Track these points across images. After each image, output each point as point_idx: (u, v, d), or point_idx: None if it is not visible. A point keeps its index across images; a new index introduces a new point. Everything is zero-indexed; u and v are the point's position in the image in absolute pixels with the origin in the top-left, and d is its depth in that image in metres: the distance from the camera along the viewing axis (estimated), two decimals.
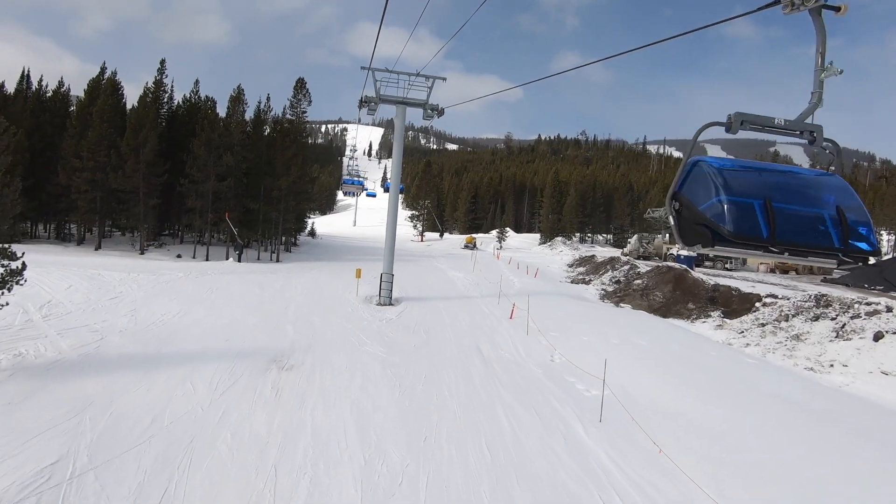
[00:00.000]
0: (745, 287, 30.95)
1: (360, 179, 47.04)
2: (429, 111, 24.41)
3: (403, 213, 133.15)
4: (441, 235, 79.94)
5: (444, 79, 25.09)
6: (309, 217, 53.89)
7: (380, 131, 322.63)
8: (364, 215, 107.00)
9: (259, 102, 37.72)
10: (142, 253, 32.21)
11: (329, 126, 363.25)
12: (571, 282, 37.82)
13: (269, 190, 34.56)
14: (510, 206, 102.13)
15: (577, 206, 78.37)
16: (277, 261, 35.09)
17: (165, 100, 38.05)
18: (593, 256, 45.16)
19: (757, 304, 26.00)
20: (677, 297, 28.76)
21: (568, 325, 21.44)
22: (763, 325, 23.81)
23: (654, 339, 20.53)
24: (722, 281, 33.56)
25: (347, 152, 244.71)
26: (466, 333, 19.12)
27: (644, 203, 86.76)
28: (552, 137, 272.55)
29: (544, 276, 37.41)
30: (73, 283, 21.25)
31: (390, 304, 23.92)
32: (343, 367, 14.28)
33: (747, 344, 22.72)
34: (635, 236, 58.65)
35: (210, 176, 32.23)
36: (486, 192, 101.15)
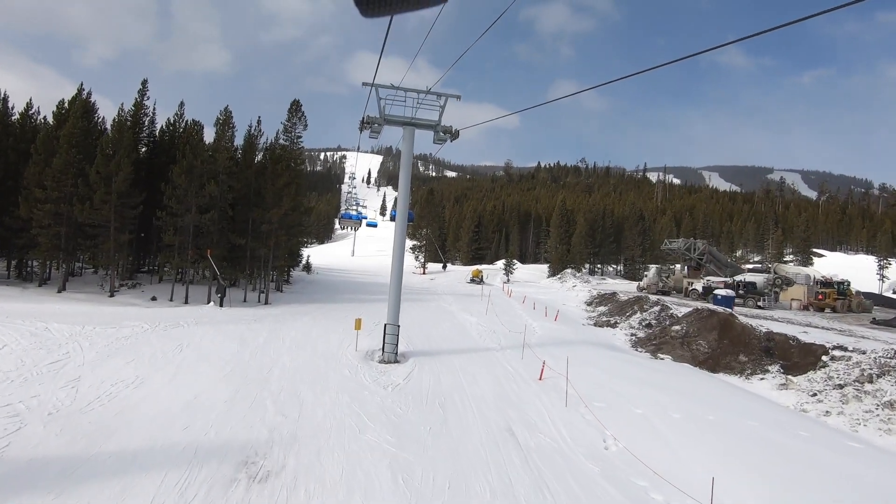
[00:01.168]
0: (798, 332, 27.22)
1: (358, 214, 44.00)
2: (441, 133, 20.95)
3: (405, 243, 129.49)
4: (444, 267, 76.18)
5: (459, 97, 21.73)
6: (306, 246, 50.18)
7: (379, 158, 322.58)
8: (363, 244, 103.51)
9: (250, 126, 34.50)
10: (111, 295, 28.42)
11: (328, 154, 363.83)
12: (595, 324, 33.96)
13: (257, 223, 30.96)
14: (515, 236, 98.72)
15: (586, 236, 74.87)
16: (266, 303, 31.27)
17: (146, 123, 34.77)
18: (615, 294, 41.38)
19: (824, 358, 22.13)
20: (725, 348, 24.90)
21: (611, 389, 17.65)
22: (841, 386, 19.90)
23: (720, 409, 16.65)
24: (764, 324, 29.79)
25: (346, 180, 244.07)
26: (492, 405, 15.28)
27: (655, 233, 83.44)
28: (552, 165, 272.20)
29: (564, 318, 33.57)
30: (8, 341, 17.45)
31: (396, 361, 20.13)
32: (337, 477, 10.40)
33: (826, 412, 18.78)
34: (653, 269, 54.99)
35: (190, 208, 28.66)
36: (489, 220, 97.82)
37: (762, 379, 22.38)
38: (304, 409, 13.99)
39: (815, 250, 79.49)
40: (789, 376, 21.92)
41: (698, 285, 48.85)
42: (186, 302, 29.31)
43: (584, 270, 75.20)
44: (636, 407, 16.03)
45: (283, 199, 30.57)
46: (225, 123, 32.85)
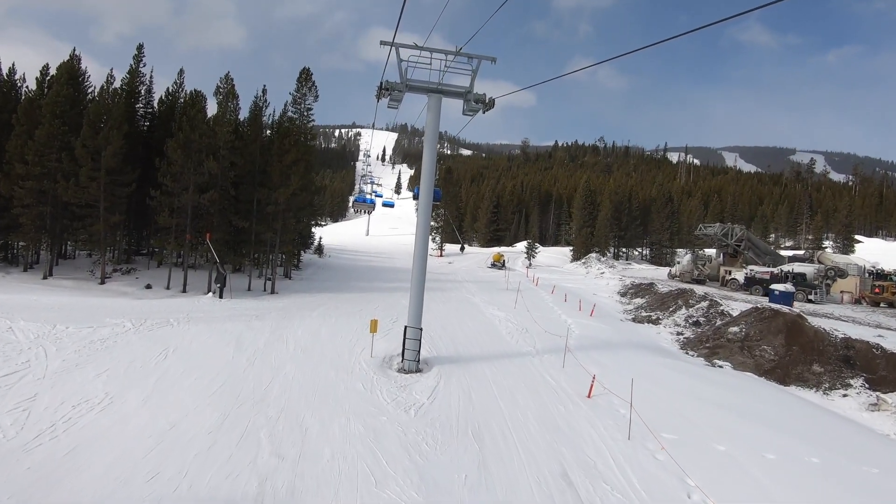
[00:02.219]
0: (872, 337, 23.84)
1: (372, 198, 41.26)
2: (472, 103, 17.58)
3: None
4: (462, 249, 72.98)
5: (494, 59, 18.25)
6: (320, 224, 47.20)
7: (394, 136, 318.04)
8: (377, 223, 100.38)
9: (256, 98, 31.32)
10: (102, 282, 25.76)
11: (342, 130, 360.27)
12: (634, 320, 30.71)
13: (262, 205, 27.97)
14: (534, 217, 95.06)
15: (611, 219, 71.06)
16: (272, 292, 28.40)
17: (143, 93, 31.70)
18: (652, 285, 38.00)
19: None
20: (795, 355, 21.58)
21: (678, 414, 14.56)
22: None
23: (823, 445, 13.43)
24: (825, 324, 26.35)
25: (361, 157, 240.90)
26: (539, 438, 12.27)
27: (683, 216, 79.40)
28: (569, 144, 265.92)
29: (599, 313, 30.37)
30: None
31: (417, 370, 17.22)
32: None
33: None
34: (687, 256, 51.35)
35: (188, 187, 25.73)
36: (508, 201, 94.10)
37: (845, 395, 19.09)
38: (306, 444, 11.10)
39: (854, 237, 74.98)
40: (879, 393, 18.61)
41: (739, 275, 45.16)
42: (184, 290, 26.56)
43: (608, 255, 71.60)
44: (716, 441, 12.93)
45: (291, 177, 27.50)
46: (228, 95, 29.67)
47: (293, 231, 29.03)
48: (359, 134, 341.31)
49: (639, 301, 35.40)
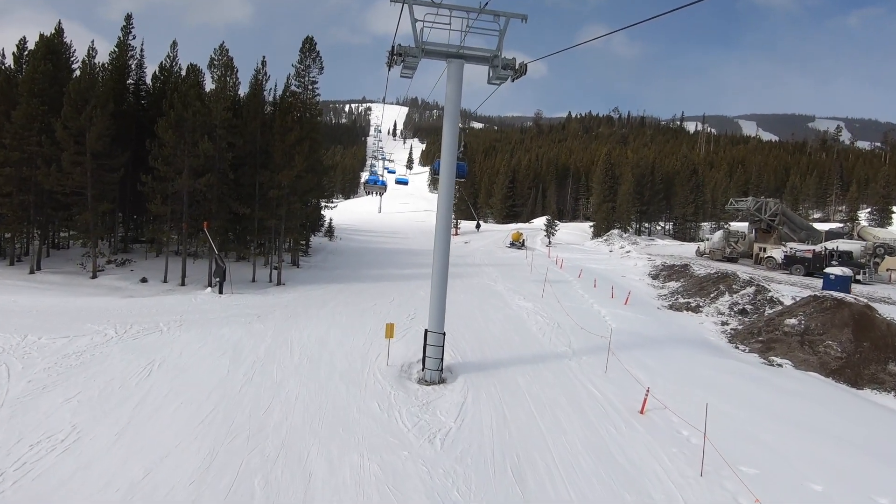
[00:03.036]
0: None
1: (384, 180, 39.18)
2: (500, 70, 14.88)
3: (433, 198, 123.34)
4: (477, 227, 70.40)
5: (525, 17, 15.48)
6: (329, 206, 44.85)
7: (404, 110, 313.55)
8: (390, 199, 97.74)
9: (256, 71, 28.65)
10: (93, 276, 23.75)
11: (352, 105, 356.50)
12: (671, 307, 28.22)
13: (265, 188, 25.61)
14: (552, 192, 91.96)
15: (633, 193, 67.84)
16: (279, 283, 26.22)
17: (133, 68, 29.22)
18: (686, 266, 35.31)
19: None
20: (866, 353, 19.04)
21: (753, 437, 12.31)
22: None
23: None
24: (880, 308, 23.65)
25: (372, 132, 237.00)
26: (592, 475, 10.05)
27: (707, 188, 75.94)
28: (583, 115, 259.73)
29: (633, 299, 27.89)
30: None
31: (441, 380, 15.04)
32: None
33: None
34: (719, 232, 48.39)
35: (182, 170, 23.43)
36: (524, 176, 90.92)
37: None
38: (310, 495, 8.94)
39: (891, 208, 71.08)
40: None
41: (776, 252, 42.22)
42: (183, 283, 24.49)
43: (630, 231, 68.64)
44: (809, 477, 10.67)
45: (295, 158, 25.03)
46: (225, 68, 27.06)
47: (299, 216, 26.72)
48: (369, 109, 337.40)
49: (674, 285, 32.81)
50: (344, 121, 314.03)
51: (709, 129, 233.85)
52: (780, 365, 19.60)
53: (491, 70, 15.21)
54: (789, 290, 29.37)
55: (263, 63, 28.30)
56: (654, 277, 36.00)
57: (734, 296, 27.00)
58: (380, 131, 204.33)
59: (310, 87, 29.79)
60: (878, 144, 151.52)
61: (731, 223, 78.08)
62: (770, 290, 26.66)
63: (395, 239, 55.35)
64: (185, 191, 23.65)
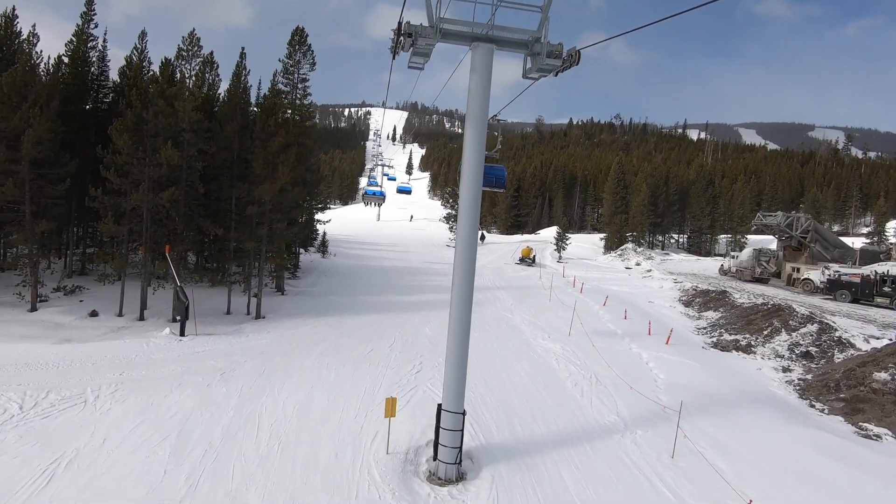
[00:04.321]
0: None
1: (382, 191, 35.78)
2: (544, 58, 10.83)
3: (433, 206, 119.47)
4: (482, 238, 66.38)
5: None
6: (325, 218, 40.71)
7: (404, 114, 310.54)
8: (388, 205, 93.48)
9: (237, 66, 24.55)
10: (32, 309, 19.67)
11: (352, 109, 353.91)
12: (717, 345, 24.20)
13: (243, 204, 21.54)
14: (558, 202, 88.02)
15: (647, 205, 63.92)
16: (257, 316, 22.10)
17: (94, 61, 25.19)
18: (725, 294, 31.24)
19: None
20: None
21: None
22: None
23: None
24: None
25: (371, 136, 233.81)
26: None
27: (724, 200, 72.09)
28: (584, 121, 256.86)
29: (674, 337, 23.89)
30: None
31: (459, 477, 11.14)
32: None
33: None
34: (748, 249, 44.44)
35: (142, 182, 19.39)
36: (530, 184, 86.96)
37: None
38: None
39: None
40: None
41: (814, 274, 38.27)
42: (141, 317, 20.39)
43: (643, 244, 64.72)
44: None
45: (279, 168, 20.96)
46: (205, 64, 23.08)
47: (283, 237, 22.65)
48: (368, 113, 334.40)
49: (712, 315, 28.77)
50: (343, 125, 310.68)
51: (709, 136, 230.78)
52: (876, 436, 15.59)
53: (529, 59, 11.25)
54: (850, 324, 25.41)
55: (242, 56, 24.19)
56: (687, 305, 31.96)
57: (793, 334, 22.99)
58: (379, 136, 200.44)
59: (299, 85, 25.86)
60: (880, 154, 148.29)
61: (748, 236, 74.58)
62: (836, 329, 22.66)
63: (394, 253, 51.29)
64: (145, 207, 19.62)
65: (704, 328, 27.09)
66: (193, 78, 23.25)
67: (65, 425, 11.31)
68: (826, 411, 17.50)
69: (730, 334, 25.31)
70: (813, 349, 21.91)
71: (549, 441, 12.88)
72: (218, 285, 24.05)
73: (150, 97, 19.62)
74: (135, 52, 24.53)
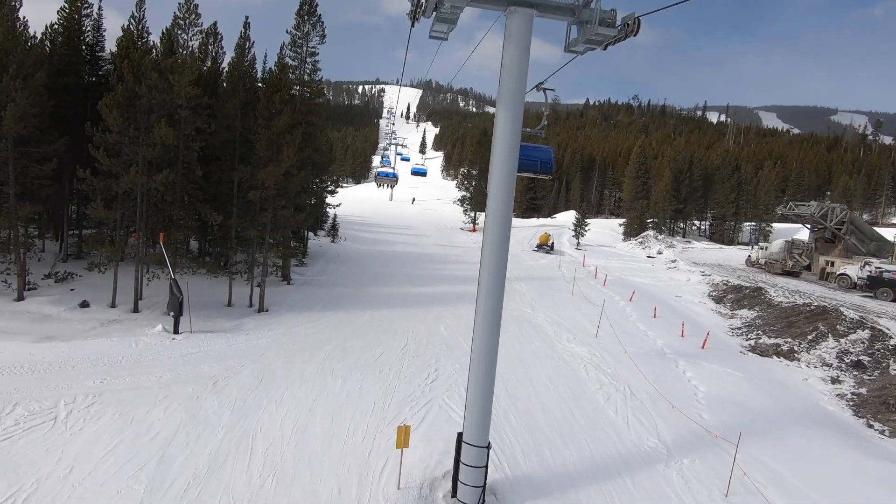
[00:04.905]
0: None
1: (395, 172, 34.16)
2: (595, 27, 8.78)
3: (445, 186, 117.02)
4: None
5: None
6: (334, 201, 39.06)
7: (418, 92, 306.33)
8: (401, 185, 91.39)
9: (241, 36, 22.61)
10: (19, 298, 18.25)
11: (366, 87, 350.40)
12: (754, 348, 22.37)
13: (245, 189, 19.87)
14: (576, 184, 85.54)
15: (670, 190, 61.42)
16: (260, 309, 20.57)
17: (88, 30, 23.40)
18: (760, 291, 29.21)
19: None
20: None
21: None
22: None
23: None
24: None
25: (385, 114, 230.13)
26: None
27: (750, 186, 69.29)
28: (601, 102, 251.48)
29: (704, 335, 22.06)
30: None
31: None
32: None
33: None
34: (779, 241, 42.06)
35: (134, 163, 17.76)
36: None
37: None
38: None
39: None
40: None
41: (851, 269, 35.97)
42: (136, 309, 18.94)
43: (664, 231, 62.42)
44: None
45: (284, 150, 19.21)
46: (208, 36, 21.23)
47: (289, 224, 20.92)
48: (383, 90, 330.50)
49: (747, 314, 26.84)
50: (357, 102, 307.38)
51: (728, 119, 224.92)
52: None
53: (575, 28, 9.30)
54: None
55: (246, 26, 22.11)
56: (718, 301, 29.99)
57: (841, 341, 21.08)
58: (393, 114, 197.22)
59: (308, 59, 23.94)
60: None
61: (773, 224, 71.81)
62: (891, 336, 20.68)
63: (407, 236, 49.56)
64: (139, 191, 18.03)
65: (739, 328, 25.19)
66: (192, 50, 21.41)
67: (28, 449, 9.82)
68: (887, 433, 15.72)
69: (769, 337, 23.41)
70: (865, 358, 20.00)
71: (583, 472, 11.25)
72: (222, 269, 22.49)
73: (144, 70, 17.87)
74: (132, 20, 22.72)
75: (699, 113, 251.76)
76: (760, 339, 23.32)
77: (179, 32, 20.37)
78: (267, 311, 20.67)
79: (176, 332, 16.56)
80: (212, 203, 20.29)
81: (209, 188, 20.76)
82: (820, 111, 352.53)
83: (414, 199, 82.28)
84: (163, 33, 24.08)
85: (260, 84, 24.10)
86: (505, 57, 9.12)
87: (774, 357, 21.55)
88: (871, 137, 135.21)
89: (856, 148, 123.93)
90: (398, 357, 16.41)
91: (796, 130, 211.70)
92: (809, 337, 22.15)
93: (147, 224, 18.58)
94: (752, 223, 69.55)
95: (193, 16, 20.17)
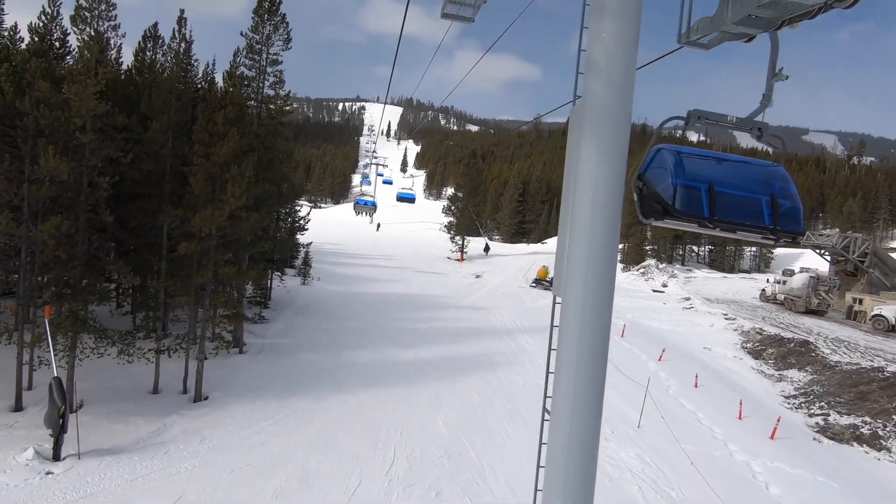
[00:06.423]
0: None
1: (374, 200, 29.78)
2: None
3: (428, 206, 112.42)
4: (486, 249, 59.68)
5: None
6: (318, 207, 34.13)
7: (399, 110, 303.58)
8: (382, 205, 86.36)
9: (175, 34, 17.52)
10: None
11: (346, 104, 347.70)
12: (824, 432, 17.87)
13: (174, 239, 14.87)
14: None
15: None
16: (196, 398, 15.31)
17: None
18: (808, 345, 24.90)
19: None
20: None
21: None
22: None
23: None
24: None
25: (365, 132, 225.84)
26: None
27: None
28: None
29: (759, 412, 17.57)
30: None
31: None
32: None
33: None
34: (802, 275, 37.94)
35: (6, 208, 12.67)
36: (536, 188, 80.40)
37: None
38: None
39: None
40: None
41: (888, 310, 32.06)
42: (18, 407, 13.62)
43: (664, 259, 58.57)
44: None
45: (228, 186, 14.29)
46: (114, 30, 16.40)
47: (225, 295, 15.73)
48: (363, 108, 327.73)
49: (799, 377, 22.42)
50: (337, 119, 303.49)
51: (705, 138, 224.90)
52: None
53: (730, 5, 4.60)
54: None
55: (181, 22, 17.10)
56: (756, 356, 25.55)
57: None
58: (373, 132, 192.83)
59: (268, 68, 19.25)
60: (873, 160, 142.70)
61: (773, 251, 68.53)
62: None
63: (389, 270, 44.65)
64: (24, 245, 13.02)
65: (794, 397, 20.77)
66: (109, 52, 16.51)
67: None
68: None
69: (839, 413, 19.03)
70: None
71: None
72: (148, 339, 17.40)
73: (32, 80, 12.99)
74: (42, 17, 17.71)
75: (678, 133, 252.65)
76: (831, 419, 18.85)
77: (83, 27, 15.40)
78: (206, 399, 15.56)
79: (56, 457, 11.47)
80: (129, 258, 15.28)
81: (126, 238, 15.78)
82: (793, 131, 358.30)
83: (379, 226, 72.39)
84: (32, 26, 17.83)
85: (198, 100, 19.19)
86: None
87: (854, 444, 17.12)
88: (856, 158, 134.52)
89: (839, 169, 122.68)
90: (383, 488, 11.47)
91: (769, 150, 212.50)
92: (895, 415, 17.80)
93: (29, 290, 13.52)
94: (753, 248, 66.45)
95: (103, 4, 15.23)
